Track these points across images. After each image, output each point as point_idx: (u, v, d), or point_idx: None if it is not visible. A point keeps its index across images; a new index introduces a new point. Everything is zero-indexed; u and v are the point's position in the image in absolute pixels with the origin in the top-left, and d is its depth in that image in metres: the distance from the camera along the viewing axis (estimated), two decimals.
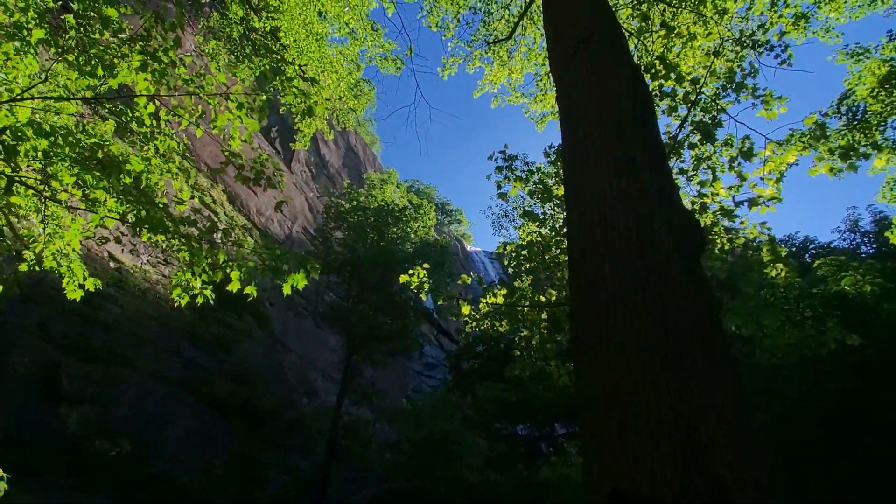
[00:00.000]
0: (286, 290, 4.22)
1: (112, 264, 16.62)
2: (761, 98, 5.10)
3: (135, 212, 3.65)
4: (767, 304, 5.59)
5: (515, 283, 6.00)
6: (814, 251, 21.72)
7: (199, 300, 4.41)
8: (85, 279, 4.32)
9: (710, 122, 5.31)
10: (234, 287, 4.15)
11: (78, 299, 4.49)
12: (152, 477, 12.37)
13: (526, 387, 11.17)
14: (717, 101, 5.36)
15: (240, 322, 21.27)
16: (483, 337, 14.31)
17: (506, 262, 6.96)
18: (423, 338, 25.61)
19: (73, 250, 4.23)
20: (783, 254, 5.41)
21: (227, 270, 4.16)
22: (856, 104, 8.42)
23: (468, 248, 63.02)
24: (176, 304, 4.23)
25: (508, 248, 7.05)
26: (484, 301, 5.95)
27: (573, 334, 3.27)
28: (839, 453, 9.42)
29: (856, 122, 8.10)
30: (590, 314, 3.15)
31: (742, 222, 5.26)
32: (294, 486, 16.73)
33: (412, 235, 24.81)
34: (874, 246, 22.40)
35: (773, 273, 5.55)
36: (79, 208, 3.93)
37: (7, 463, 10.20)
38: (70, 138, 3.74)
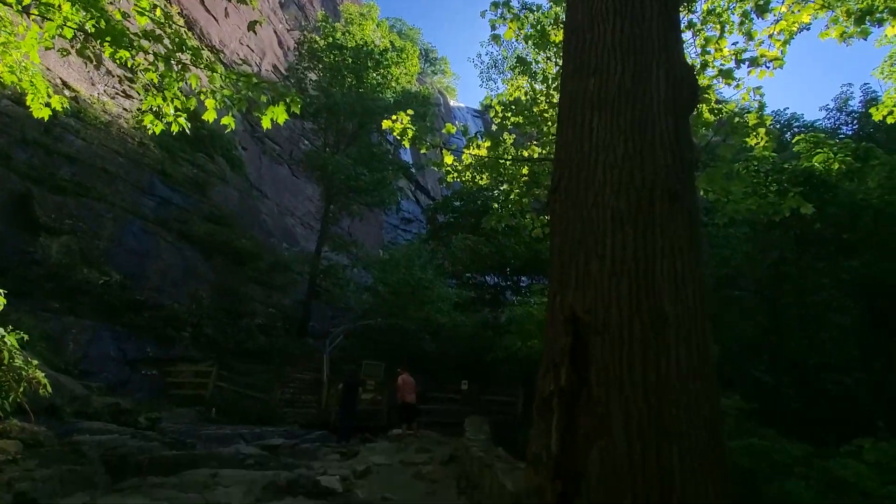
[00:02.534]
0: (265, 123, 4.05)
1: (67, 93, 15.23)
2: None
3: (93, 21, 3.22)
4: (738, 174, 5.78)
5: (502, 138, 5.91)
6: (797, 129, 21.74)
7: (175, 128, 4.19)
8: (50, 96, 3.98)
9: None
10: (209, 116, 3.93)
11: (46, 118, 4.19)
12: (139, 303, 13.19)
13: (499, 240, 11.80)
14: None
15: (212, 164, 20.67)
16: (461, 192, 14.54)
17: (491, 115, 6.75)
18: (400, 193, 25.74)
19: (33, 63, 3.81)
20: (768, 122, 5.43)
21: (202, 97, 3.90)
22: None
23: (451, 102, 59.90)
24: (149, 132, 4.03)
25: (496, 100, 6.78)
26: (467, 152, 5.91)
27: (554, 183, 3.39)
28: (765, 309, 10.79)
29: None
30: (573, 163, 3.23)
31: (737, 85, 5.13)
32: (279, 318, 18.24)
33: (393, 83, 23.20)
34: (855, 126, 22.50)
35: (753, 142, 5.63)
36: (32, 13, 3.42)
37: None
38: None
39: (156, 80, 3.83)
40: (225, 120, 4.10)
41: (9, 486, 3.37)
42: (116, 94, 18.19)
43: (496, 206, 6.32)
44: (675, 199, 2.95)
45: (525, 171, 6.08)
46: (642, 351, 2.55)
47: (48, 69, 14.38)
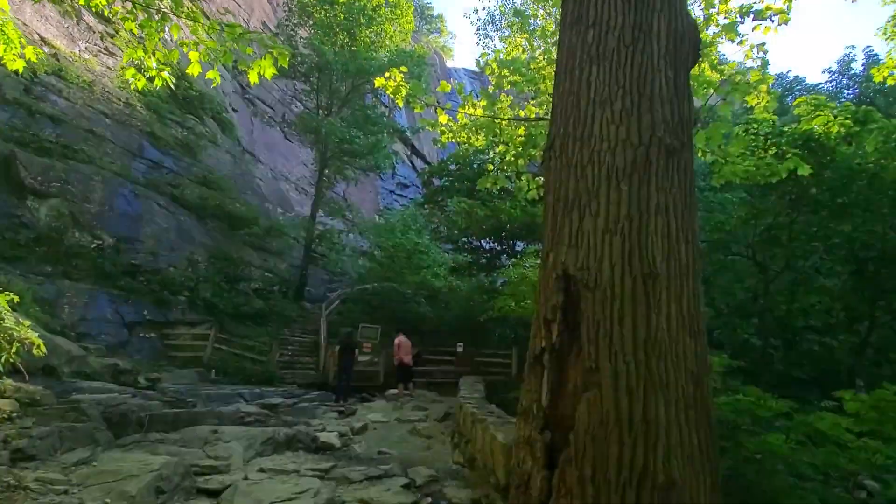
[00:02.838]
0: (252, 78, 3.90)
1: (46, 49, 14.63)
2: None
3: None
4: (737, 136, 5.69)
5: (498, 97, 5.76)
6: (799, 92, 21.39)
7: (158, 83, 4.02)
8: (23, 47, 3.79)
9: None
10: (193, 70, 3.78)
11: (20, 71, 4.01)
12: (134, 267, 13.15)
13: (494, 204, 11.73)
14: None
15: (202, 126, 20.19)
16: (457, 156, 14.33)
17: (487, 73, 6.55)
18: (396, 157, 25.35)
19: (2, 11, 3.60)
20: (770, 82, 5.30)
21: (185, 50, 3.73)
22: None
23: (448, 63, 58.19)
24: (132, 88, 3.88)
25: (493, 58, 6.56)
26: (462, 111, 5.77)
27: (550, 140, 3.32)
28: (756, 273, 10.91)
29: None
30: (569, 120, 3.15)
31: (741, 42, 4.97)
32: (276, 282, 18.29)
33: (387, 41, 22.39)
34: (857, 90, 22.16)
35: (754, 101, 5.52)
36: None
37: None
38: None
39: (136, 31, 3.65)
40: (210, 74, 3.94)
41: (5, 444, 3.44)
42: (99, 51, 17.51)
43: (491, 167, 6.22)
44: (671, 155, 2.90)
45: (521, 131, 5.95)
46: (633, 307, 2.57)
47: (24, 24, 13.76)
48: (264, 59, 3.69)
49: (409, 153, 44.94)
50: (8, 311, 4.44)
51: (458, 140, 6.34)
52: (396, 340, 11.32)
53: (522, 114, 5.99)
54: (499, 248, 15.19)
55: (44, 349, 4.55)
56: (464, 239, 15.15)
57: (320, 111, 22.11)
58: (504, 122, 5.76)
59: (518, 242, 14.91)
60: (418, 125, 29.22)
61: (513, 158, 5.79)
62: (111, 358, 9.12)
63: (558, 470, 2.38)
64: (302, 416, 8.47)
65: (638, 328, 2.50)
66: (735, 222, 11.42)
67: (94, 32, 17.52)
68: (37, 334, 4.63)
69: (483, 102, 5.76)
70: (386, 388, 13.21)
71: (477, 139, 6.37)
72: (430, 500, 3.78)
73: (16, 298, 4.73)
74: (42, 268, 11.17)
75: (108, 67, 17.31)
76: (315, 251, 21.48)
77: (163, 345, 13.04)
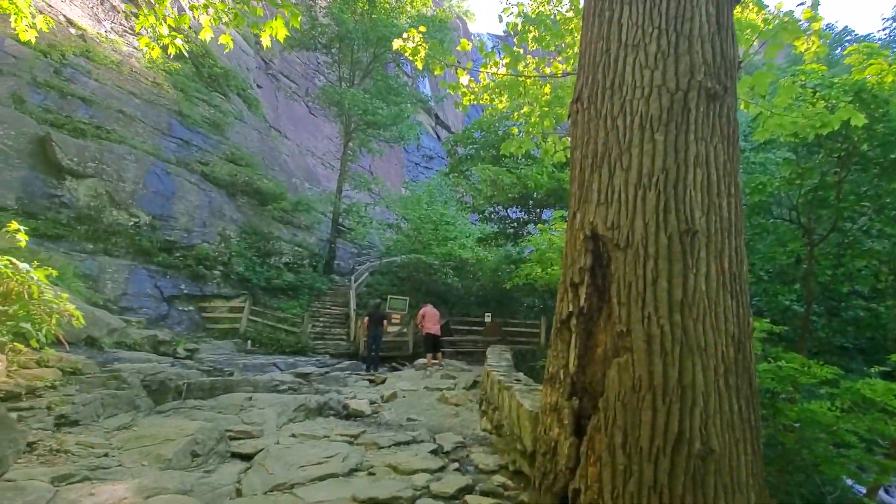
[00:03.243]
0: (265, 40, 3.78)
1: (73, 31, 14.86)
2: None
3: None
4: (784, 87, 5.23)
5: (521, 54, 5.44)
6: (848, 43, 19.71)
7: (172, 50, 3.96)
8: (34, 16, 3.78)
9: None
10: (205, 35, 3.69)
11: (33, 41, 4.02)
12: (170, 243, 13.60)
13: (520, 170, 11.38)
14: None
15: (228, 104, 20.35)
16: (481, 122, 13.94)
17: (509, 28, 6.20)
18: (420, 128, 25.00)
19: None
20: (821, 22, 4.80)
21: (195, 14, 3.64)
22: None
23: (471, 27, 56.37)
24: (146, 56, 3.83)
25: (516, 12, 6.20)
26: (484, 71, 5.50)
27: (577, 92, 3.09)
28: (800, 237, 10.31)
29: None
30: (598, 67, 2.91)
31: None
32: (305, 256, 18.63)
33: (408, 6, 21.75)
34: None
35: (803, 47, 5.03)
36: None
37: (25, 232, 11.06)
38: None
39: None
40: (223, 38, 3.83)
41: (49, 410, 3.60)
42: (124, 31, 17.67)
43: (516, 130, 5.96)
44: (712, 101, 2.64)
45: (547, 90, 5.65)
46: (668, 266, 2.39)
47: (49, 5, 13.96)
48: (276, 19, 3.55)
49: (433, 124, 44.34)
50: (48, 285, 4.62)
51: (481, 102, 6.08)
52: (422, 311, 11.39)
53: (548, 71, 5.67)
54: (525, 217, 14.90)
55: (82, 320, 4.75)
56: (489, 208, 14.91)
57: (342, 83, 21.88)
58: (529, 81, 5.47)
59: (545, 211, 14.58)
60: (442, 94, 28.66)
61: (538, 119, 5.52)
62: (151, 330, 9.52)
63: (587, 437, 2.29)
64: (333, 385, 8.68)
65: (673, 288, 2.33)
66: (778, 183, 10.75)
67: (119, 12, 17.67)
68: (75, 307, 4.82)
69: (506, 59, 5.47)
70: (415, 358, 13.41)
71: (500, 100, 6.09)
72: (456, 465, 3.78)
73: (55, 273, 4.91)
74: (84, 245, 11.66)
75: (134, 48, 17.47)
76: (342, 225, 21.67)
77: (201, 317, 13.56)
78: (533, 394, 3.70)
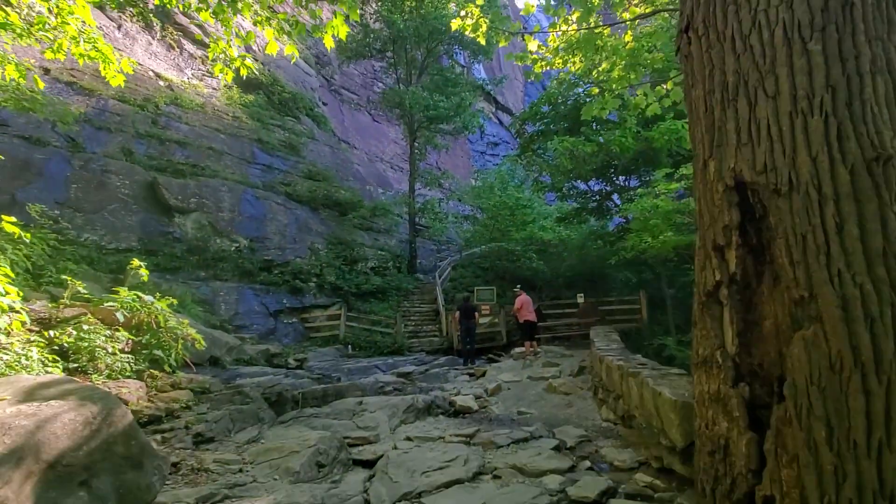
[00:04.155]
0: (328, 42, 3.70)
1: (161, 83, 16.45)
2: None
3: None
4: None
5: (593, 3, 4.88)
6: None
7: (244, 72, 4.06)
8: (119, 60, 4.07)
9: None
10: (272, 49, 3.70)
11: (122, 85, 4.35)
12: (268, 262, 14.57)
13: (600, 136, 10.52)
14: None
15: (299, 125, 21.44)
16: (548, 95, 13.22)
17: None
18: (481, 114, 24.57)
19: (89, 26, 3.88)
20: None
21: (258, 28, 3.66)
22: None
23: (519, 2, 54.43)
24: (223, 94, 3.93)
25: None
26: (554, 29, 5.01)
27: (684, 20, 2.59)
28: None
29: None
30: None
31: None
32: (389, 258, 19.11)
33: None
34: None
35: None
36: None
37: (147, 267, 12.42)
38: None
39: (211, 21, 3.66)
40: (289, 49, 3.83)
41: (187, 429, 3.84)
42: (203, 75, 19.22)
43: (596, 90, 5.40)
44: None
45: (628, 38, 5.04)
46: (855, 207, 1.85)
47: (139, 64, 15.49)
48: (335, 17, 3.45)
49: (494, 110, 43.52)
50: (171, 313, 5.01)
51: (553, 66, 5.60)
52: (519, 299, 10.91)
53: (626, 16, 5.05)
54: (607, 188, 13.92)
55: (203, 343, 5.10)
56: (567, 184, 14.13)
57: (400, 84, 22.09)
58: (606, 31, 4.90)
59: (631, 179, 13.49)
60: (498, 77, 27.91)
61: (622, 73, 4.93)
62: (263, 344, 10.20)
63: (771, 432, 1.85)
64: (435, 382, 8.67)
65: (869, 235, 1.80)
66: None
67: (195, 58, 19.23)
68: (196, 330, 5.20)
69: (576, 14, 4.95)
70: (509, 348, 13.11)
71: (574, 61, 5.57)
72: (587, 463, 3.44)
73: (175, 301, 5.33)
74: (197, 273, 12.84)
75: (213, 88, 18.95)
76: (419, 224, 21.94)
77: (304, 328, 14.38)
78: (667, 379, 3.24)
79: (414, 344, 14.49)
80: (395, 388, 7.49)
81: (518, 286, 11.51)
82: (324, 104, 27.97)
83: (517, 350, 11.85)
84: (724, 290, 2.20)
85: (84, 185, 12.41)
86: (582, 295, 14.29)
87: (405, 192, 22.93)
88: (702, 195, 2.38)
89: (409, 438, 4.38)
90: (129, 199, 12.82)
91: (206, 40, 3.62)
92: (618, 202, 14.14)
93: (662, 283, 11.48)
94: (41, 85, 4.85)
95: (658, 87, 4.70)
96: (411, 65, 21.99)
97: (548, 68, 5.39)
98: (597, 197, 14.31)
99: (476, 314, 12.08)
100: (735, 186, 2.16)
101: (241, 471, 3.33)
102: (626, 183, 13.41)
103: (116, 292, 4.71)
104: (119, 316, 4.31)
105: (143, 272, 5.34)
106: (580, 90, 12.09)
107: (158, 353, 4.45)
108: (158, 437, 3.62)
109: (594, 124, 11.00)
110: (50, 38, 3.66)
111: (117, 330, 4.32)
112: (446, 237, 24.08)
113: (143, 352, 4.46)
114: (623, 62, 4.90)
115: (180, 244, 13.13)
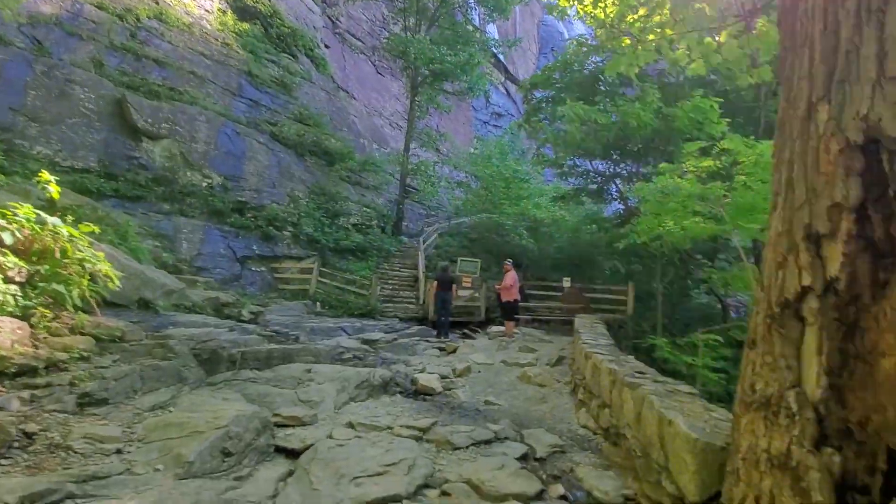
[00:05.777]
0: None
1: None
2: None
3: None
4: None
5: None
6: None
7: None
8: None
9: None
10: None
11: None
12: (241, 204, 13.56)
13: (616, 106, 9.50)
14: None
15: (296, 64, 19.97)
16: (563, 61, 12.14)
17: None
18: (489, 81, 23.23)
19: None
20: None
21: None
22: None
23: None
24: (216, 4, 2.98)
25: None
26: None
27: None
28: None
29: None
30: None
31: None
32: (374, 217, 18.20)
33: None
34: None
35: None
36: None
37: (105, 192, 11.33)
38: None
39: None
40: None
41: (71, 387, 3.07)
42: None
43: (627, 41, 4.51)
44: None
45: None
46: None
47: None
48: None
49: (503, 80, 41.77)
50: (87, 242, 4.16)
51: (582, 11, 4.68)
52: (510, 275, 9.96)
53: None
54: (611, 170, 13.09)
55: (117, 282, 4.27)
56: (570, 161, 13.24)
57: (408, 32, 20.62)
58: None
59: (640, 164, 12.62)
60: (512, 39, 26.34)
61: (665, 18, 4.04)
62: (217, 291, 9.37)
63: None
64: (402, 353, 8.02)
65: None
66: None
67: None
68: (115, 265, 4.36)
69: None
70: (487, 325, 12.52)
71: (605, 5, 4.65)
72: (560, 488, 2.77)
73: (96, 230, 4.46)
74: (160, 206, 11.83)
75: (205, 10, 17.34)
76: (410, 185, 20.95)
77: (272, 278, 13.56)
78: (676, 400, 2.54)
79: (388, 308, 13.81)
80: (354, 356, 6.81)
81: (509, 260, 10.71)
82: (326, 47, 26.24)
83: (494, 328, 11.24)
84: (811, 302, 1.45)
85: (44, 94, 11.16)
86: (569, 279, 13.68)
87: (400, 151, 21.82)
88: (797, 157, 1.59)
89: (351, 425, 3.68)
90: (93, 115, 11.62)
91: None
92: (619, 188, 13.37)
93: (655, 277, 10.87)
94: None
95: (707, 40, 3.84)
96: (422, 14, 20.46)
97: (573, 4, 4.47)
98: (598, 179, 13.49)
99: (454, 286, 11.38)
100: (863, 145, 1.37)
101: (118, 452, 2.59)
102: (635, 169, 12.57)
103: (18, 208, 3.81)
104: (5, 236, 3.45)
105: (54, 188, 4.42)
106: (599, 59, 11.02)
107: (59, 287, 3.64)
108: (26, 394, 2.84)
109: (608, 99, 9.99)
110: None
111: (4, 254, 3.47)
112: (437, 202, 23.14)
113: (40, 285, 3.64)
114: (671, 3, 4.00)
115: (145, 172, 12.04)
